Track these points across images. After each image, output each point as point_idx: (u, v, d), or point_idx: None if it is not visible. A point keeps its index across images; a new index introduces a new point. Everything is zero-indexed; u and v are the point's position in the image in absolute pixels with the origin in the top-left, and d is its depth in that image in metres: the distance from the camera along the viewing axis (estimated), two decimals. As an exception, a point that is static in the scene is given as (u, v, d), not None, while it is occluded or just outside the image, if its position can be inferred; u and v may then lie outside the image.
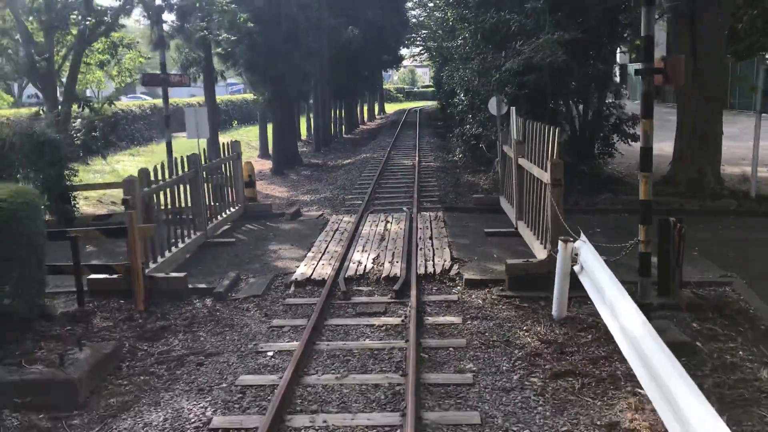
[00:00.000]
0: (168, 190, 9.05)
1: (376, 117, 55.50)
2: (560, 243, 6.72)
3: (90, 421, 5.20)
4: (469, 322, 6.86)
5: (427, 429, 4.76)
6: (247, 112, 43.40)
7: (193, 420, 5.06)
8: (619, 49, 21.69)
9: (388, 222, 11.40)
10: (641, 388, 4.86)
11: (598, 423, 4.85)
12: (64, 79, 14.71)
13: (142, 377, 5.91)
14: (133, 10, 14.13)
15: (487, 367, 5.78)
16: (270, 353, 6.25)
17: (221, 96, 39.92)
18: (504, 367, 5.78)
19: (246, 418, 5.01)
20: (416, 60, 69.31)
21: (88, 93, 20.01)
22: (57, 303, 7.62)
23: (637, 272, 6.34)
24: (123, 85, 19.00)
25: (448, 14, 21.17)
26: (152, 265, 8.06)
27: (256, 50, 18.61)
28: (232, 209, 11.80)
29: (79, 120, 14.15)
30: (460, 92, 19.00)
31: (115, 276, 7.70)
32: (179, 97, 38.93)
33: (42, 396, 5.41)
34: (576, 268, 6.69)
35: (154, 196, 8.54)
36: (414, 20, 50.39)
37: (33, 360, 5.84)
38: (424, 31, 51.39)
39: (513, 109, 10.80)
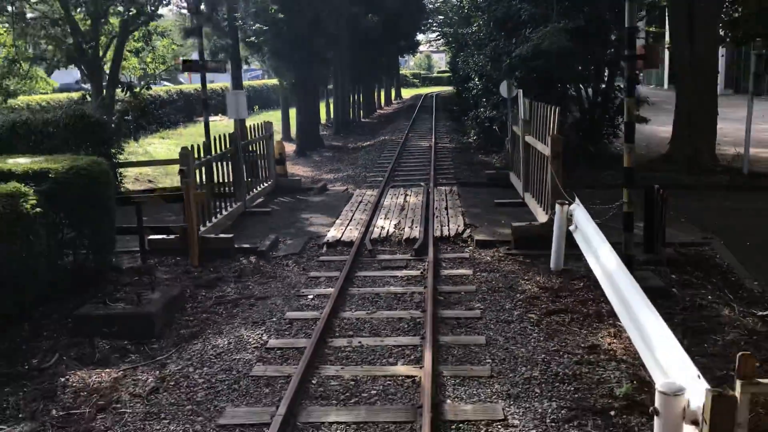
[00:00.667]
0: (213, 165, 10.23)
1: (393, 102, 56.42)
2: (557, 206, 7.82)
3: (166, 345, 6.39)
4: (478, 273, 7.99)
5: (442, 347, 5.91)
6: (267, 98, 44.46)
7: (252, 343, 6.25)
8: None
9: (407, 195, 12.53)
10: (621, 322, 5.96)
11: (582, 346, 5.96)
12: (104, 66, 15.90)
13: (204, 315, 7.11)
14: (170, 1, 15.25)
15: (492, 306, 6.92)
16: (310, 296, 7.43)
17: (225, 83, 41.10)
18: (507, 306, 6.91)
19: (296, 341, 6.19)
20: (432, 46, 69.95)
21: (123, 79, 21.08)
22: (121, 260, 8.83)
23: (624, 227, 7.42)
24: (156, 71, 20.14)
25: (464, 2, 22.15)
26: (202, 229, 9.25)
27: (282, 38, 19.72)
28: (266, 184, 12.97)
29: (119, 103, 15.38)
30: (475, 77, 19.99)
31: (172, 237, 8.91)
32: (221, 81, 40.04)
33: (125, 327, 6.61)
34: (571, 228, 7.76)
35: (203, 168, 9.72)
36: (430, 6, 51.19)
37: (114, 300, 7.06)
38: (440, 17, 52.15)
39: (520, 91, 11.85)
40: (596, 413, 4.75)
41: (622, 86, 16.15)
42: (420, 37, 54.71)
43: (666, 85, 33.77)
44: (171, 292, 7.33)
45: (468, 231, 9.65)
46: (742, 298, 7.05)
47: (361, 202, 12.06)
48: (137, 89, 15.51)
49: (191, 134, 28.59)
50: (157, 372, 5.77)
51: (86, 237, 7.84)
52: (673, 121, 14.36)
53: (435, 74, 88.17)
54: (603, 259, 6.03)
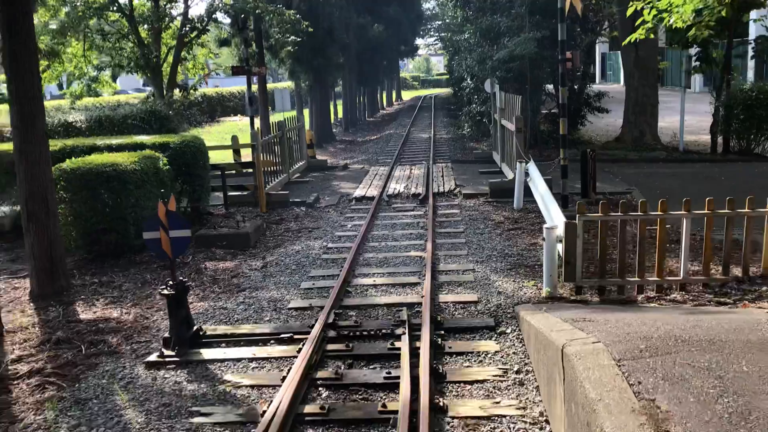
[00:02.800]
0: (268, 144, 13.75)
1: (394, 103, 60.00)
2: (517, 163, 11.33)
3: (260, 251, 9.88)
4: (464, 211, 11.50)
5: (438, 244, 9.40)
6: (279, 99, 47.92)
7: (317, 246, 9.75)
8: (598, 40, 26.06)
9: (412, 169, 16.07)
10: (541, 210, 9.42)
11: (526, 243, 9.43)
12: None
13: (279, 237, 10.62)
14: (218, 19, 18.73)
15: (471, 226, 10.43)
16: (349, 225, 10.94)
17: (255, 85, 44.65)
18: (481, 227, 10.42)
19: (345, 245, 9.69)
20: (431, 49, 73.62)
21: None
22: (212, 208, 12.30)
23: (561, 175, 10.92)
24: (196, 76, 23.64)
25: (457, 14, 25.69)
26: (267, 187, 12.74)
27: (301, 45, 23.23)
28: (300, 163, 16.51)
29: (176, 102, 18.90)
30: (467, 77, 23.55)
31: (245, 192, 12.41)
32: (225, 86, 43.61)
33: (230, 241, 10.09)
34: (528, 180, 11.27)
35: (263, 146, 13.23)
36: (428, 12, 54.81)
37: (220, 227, 10.58)
38: (437, 22, 55.75)
39: (497, 86, 15.38)
40: (526, 267, 8.23)
41: (586, 85, 19.83)
42: (419, 41, 58.28)
43: (622, 82, 37.42)
44: (255, 223, 10.85)
45: (458, 188, 13.18)
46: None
47: (376, 174, 15.60)
48: (189, 90, 19.05)
49: (218, 131, 32.21)
50: (261, 260, 9.28)
51: (192, 189, 11.36)
52: (623, 110, 17.88)
53: (434, 76, 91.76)
54: (539, 188, 9.56)
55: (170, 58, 18.67)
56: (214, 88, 41.92)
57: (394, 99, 62.13)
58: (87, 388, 5.58)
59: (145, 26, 18.09)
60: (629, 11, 6.73)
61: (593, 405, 3.16)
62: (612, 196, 12.22)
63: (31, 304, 7.84)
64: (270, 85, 52.24)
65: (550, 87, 19.76)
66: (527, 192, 11.12)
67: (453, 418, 4.71)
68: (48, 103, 25.52)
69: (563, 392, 3.82)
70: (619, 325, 4.46)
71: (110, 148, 10.67)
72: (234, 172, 12.73)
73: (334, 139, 27.39)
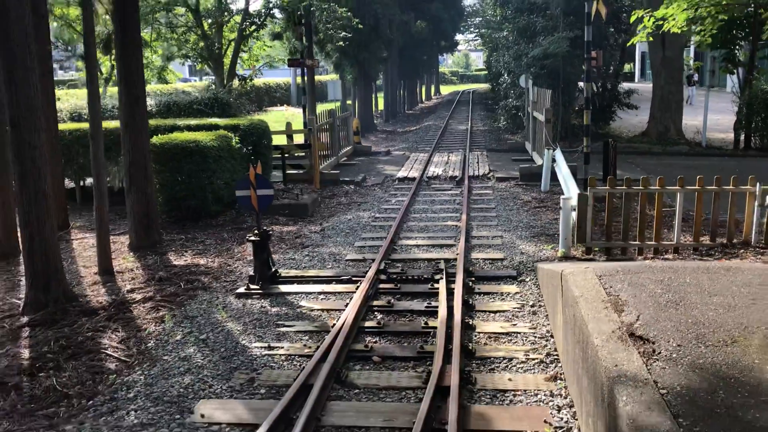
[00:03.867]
0: (321, 130, 15.29)
1: (433, 97, 61.29)
2: (546, 150, 12.66)
3: (317, 219, 11.41)
4: (496, 192, 12.88)
5: (471, 216, 10.80)
6: (321, 92, 49.62)
7: (366, 216, 11.24)
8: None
9: (449, 155, 17.48)
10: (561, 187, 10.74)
11: (549, 218, 10.78)
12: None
13: (333, 208, 12.14)
14: (275, 14, 20.33)
15: (501, 204, 11.81)
16: (393, 201, 12.41)
17: (287, 78, 46.40)
18: (510, 204, 11.79)
19: (391, 215, 11.15)
20: (470, 45, 74.56)
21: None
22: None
23: (582, 161, 12.21)
24: (252, 66, 25.35)
25: (497, 12, 26.93)
26: (321, 166, 14.28)
27: (348, 40, 24.74)
28: (348, 148, 18.03)
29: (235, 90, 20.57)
30: (504, 73, 24.79)
31: (302, 171, 13.98)
32: (270, 77, 45.36)
33: (291, 210, 11.63)
34: (554, 165, 12.58)
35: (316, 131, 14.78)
36: (469, 9, 55.94)
37: (282, 198, 12.13)
38: (478, 19, 56.81)
39: (531, 82, 16.67)
40: (546, 235, 9.60)
41: (618, 82, 20.95)
42: (459, 37, 59.33)
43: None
44: (312, 196, 12.40)
45: (491, 173, 14.56)
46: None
47: (417, 159, 17.04)
48: (247, 79, 20.72)
49: (266, 119, 33.91)
50: (319, 226, 10.81)
51: (261, 164, 12.91)
52: (650, 106, 19.00)
53: (472, 72, 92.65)
54: (563, 170, 10.90)
55: (230, 50, 20.36)
56: (261, 79, 43.76)
57: (432, 93, 63.43)
58: (192, 310, 7.15)
59: (209, 20, 19.77)
60: (632, 18, 7.95)
61: (576, 299, 4.58)
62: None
63: (131, 254, 9.47)
64: (322, 77, 54.13)
65: (582, 84, 20.93)
66: (554, 177, 12.42)
67: (479, 332, 6.15)
68: (114, 89, 27.56)
69: (561, 304, 5.24)
70: (610, 263, 5.84)
71: (189, 128, 12.29)
72: (288, 153, 14.30)
73: (376, 129, 28.88)
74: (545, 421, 4.51)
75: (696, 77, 31.08)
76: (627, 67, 45.56)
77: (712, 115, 22.43)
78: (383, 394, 5.12)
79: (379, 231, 10.18)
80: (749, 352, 3.58)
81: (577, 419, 4.46)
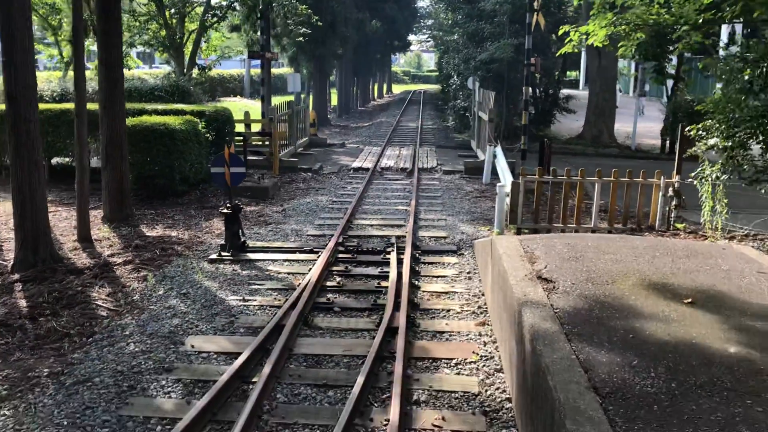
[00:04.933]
0: (280, 120, 16.20)
1: (385, 95, 62.43)
2: (488, 146, 13.92)
3: (278, 201, 12.36)
4: (442, 183, 14.08)
5: (420, 203, 11.94)
6: (280, 84, 50.14)
7: (324, 200, 12.26)
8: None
9: (401, 149, 18.63)
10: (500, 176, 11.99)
11: (488, 206, 11.99)
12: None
13: (292, 192, 13.11)
14: (236, 7, 21.06)
15: (447, 193, 13.00)
16: (348, 188, 13.46)
17: (240, 70, 46.83)
18: (454, 193, 12.99)
19: (347, 200, 12.20)
20: (423, 46, 76.13)
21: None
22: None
23: (520, 157, 13.50)
24: (207, 57, 25.96)
25: (449, 16, 28.23)
26: (280, 154, 15.21)
27: (305, 36, 25.63)
28: (304, 138, 18.98)
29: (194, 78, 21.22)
30: (454, 75, 26.08)
31: (261, 158, 14.88)
32: (223, 68, 45.64)
33: (253, 193, 12.55)
34: (495, 160, 13.84)
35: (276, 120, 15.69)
36: (422, 10, 57.34)
37: (245, 181, 13.01)
38: (430, 21, 58.26)
39: (477, 83, 17.95)
40: (485, 219, 10.81)
41: (559, 88, 22.48)
42: (412, 37, 60.62)
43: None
44: (272, 181, 13.33)
45: (439, 166, 15.76)
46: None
47: (370, 152, 18.13)
48: (207, 69, 21.41)
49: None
50: (280, 207, 11.78)
51: (220, 149, 13.77)
52: (586, 111, 20.56)
53: (424, 72, 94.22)
54: (501, 164, 12.15)
55: (191, 40, 21.02)
56: (215, 69, 44.05)
57: (384, 91, 64.57)
58: (170, 271, 8.06)
59: (172, 10, 20.38)
60: (560, 32, 9.16)
61: (501, 256, 5.73)
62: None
63: (105, 225, 10.25)
64: (281, 70, 54.48)
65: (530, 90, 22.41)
66: (495, 172, 13.67)
67: (423, 291, 7.27)
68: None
69: (490, 262, 6.40)
70: (532, 234, 7.04)
71: (156, 112, 13.05)
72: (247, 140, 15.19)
73: (330, 124, 29.83)
74: (473, 352, 5.65)
75: (647, 88, 33.05)
76: (573, 74, 47.62)
77: (648, 122, 24.28)
78: (343, 333, 6.19)
79: (336, 212, 11.22)
80: (623, 288, 4.79)
81: (498, 351, 5.62)
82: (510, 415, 4.65)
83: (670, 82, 19.77)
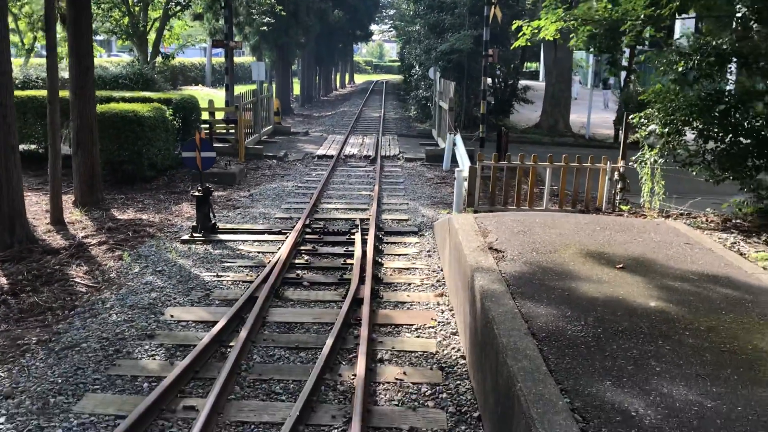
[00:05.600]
0: (245, 108, 16.52)
1: (347, 85, 62.71)
2: (448, 134, 14.50)
3: (244, 187, 12.74)
4: (404, 170, 14.61)
5: (383, 188, 12.45)
6: (244, 73, 49.95)
7: (290, 185, 12.68)
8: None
9: (364, 138, 19.11)
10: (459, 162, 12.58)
11: (447, 191, 12.57)
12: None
13: (258, 178, 13.49)
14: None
15: (409, 179, 13.54)
16: (313, 174, 13.90)
17: (202, 58, 46.65)
18: (416, 180, 13.54)
19: (312, 185, 12.64)
20: (385, 36, 76.51)
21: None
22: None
23: (478, 145, 14.11)
24: (172, 46, 25.99)
25: (410, 6, 28.72)
26: (245, 141, 15.55)
27: (268, 25, 25.85)
28: (269, 127, 19.30)
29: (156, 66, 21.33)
30: (416, 65, 26.63)
31: (227, 144, 15.20)
32: (184, 57, 45.37)
33: (220, 179, 12.90)
34: (455, 148, 14.42)
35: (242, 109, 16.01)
36: (384, 1, 57.71)
37: (212, 167, 13.35)
38: (392, 11, 58.68)
39: (438, 74, 18.51)
40: (444, 204, 11.37)
41: (517, 79, 23.20)
42: (374, 27, 60.97)
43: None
44: (239, 167, 13.69)
45: (401, 154, 16.30)
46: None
47: (334, 140, 18.57)
48: (170, 57, 21.53)
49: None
50: (247, 192, 12.17)
51: (187, 136, 14.08)
52: (543, 101, 21.33)
53: (386, 63, 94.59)
54: (460, 150, 12.73)
55: (154, 29, 21.12)
56: (176, 58, 43.80)
57: (347, 81, 64.82)
58: (144, 251, 8.42)
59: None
60: (513, 26, 9.75)
61: (457, 230, 6.29)
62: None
63: (77, 209, 10.52)
64: (244, 59, 54.22)
65: (489, 81, 23.06)
66: (455, 159, 14.26)
67: (386, 267, 7.80)
68: (37, 60, 27.45)
69: (448, 238, 6.95)
70: (486, 213, 7.62)
71: (124, 99, 13.28)
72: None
73: (293, 113, 30.12)
74: (432, 318, 6.20)
75: (612, 81, 33.96)
76: (534, 65, 48.61)
77: (607, 113, 25.22)
78: (313, 304, 6.68)
79: (302, 197, 11.66)
80: (563, 256, 5.38)
81: (454, 317, 6.18)
82: (464, 369, 5.21)
83: (624, 75, 20.66)
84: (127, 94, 13.84)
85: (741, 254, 6.15)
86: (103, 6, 20.63)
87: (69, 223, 9.70)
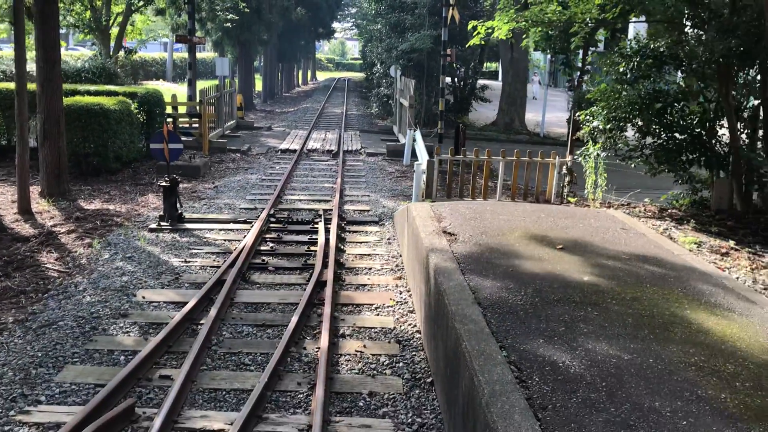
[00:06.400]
0: (209, 102, 16.75)
1: (309, 82, 62.88)
2: (408, 130, 14.99)
3: (208, 180, 13.02)
4: (366, 164, 15.06)
5: (345, 180, 12.87)
6: (208, 68, 49.64)
7: (254, 178, 13.01)
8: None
9: (327, 133, 19.50)
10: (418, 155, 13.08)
11: (407, 184, 13.05)
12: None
13: (222, 171, 13.78)
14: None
15: (370, 173, 13.98)
16: (277, 167, 14.24)
17: (163, 53, 46.36)
18: (378, 174, 14.00)
19: (276, 178, 12.99)
20: (347, 34, 76.81)
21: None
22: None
23: (437, 141, 14.63)
24: (134, 40, 25.93)
25: (372, 6, 29.13)
26: (209, 135, 15.79)
27: (231, 21, 26.01)
28: (232, 122, 19.54)
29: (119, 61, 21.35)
30: (378, 63, 27.09)
31: (191, 138, 15.43)
32: (144, 52, 45.03)
33: (185, 171, 13.14)
34: (414, 143, 14.92)
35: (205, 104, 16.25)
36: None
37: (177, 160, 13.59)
38: (354, 9, 59.03)
39: (399, 72, 19.00)
40: (404, 196, 11.86)
41: (476, 79, 23.85)
42: (336, 25, 61.27)
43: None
44: (203, 160, 13.95)
45: (363, 149, 16.74)
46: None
47: (297, 135, 18.91)
48: (133, 52, 21.57)
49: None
50: (212, 184, 12.46)
51: (151, 129, 14.28)
52: (499, 100, 22.00)
53: (348, 60, 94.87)
54: (419, 145, 13.23)
55: (116, 23, 21.13)
56: (138, 53, 43.39)
57: (309, 78, 64.98)
58: (113, 239, 8.69)
59: (98, -8, 20.43)
60: (469, 26, 10.26)
61: (414, 218, 6.76)
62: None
63: (43, 200, 10.69)
64: (207, 54, 53.83)
65: (448, 79, 23.65)
66: (415, 154, 14.76)
67: (348, 254, 8.23)
68: (2, 53, 27.06)
69: (407, 225, 7.42)
70: (441, 201, 8.13)
71: (89, 93, 13.43)
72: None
73: (255, 108, 30.29)
74: (390, 299, 6.67)
75: (576, 82, 34.79)
76: (494, 65, 49.46)
77: (561, 113, 26.04)
78: (278, 287, 7.08)
79: (266, 189, 12.01)
80: (510, 239, 5.90)
81: (411, 298, 6.65)
82: (419, 342, 5.68)
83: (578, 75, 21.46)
84: (92, 88, 13.98)
85: (671, 238, 6.76)
86: (64, 0, 20.56)
87: (37, 213, 9.88)
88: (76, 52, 39.72)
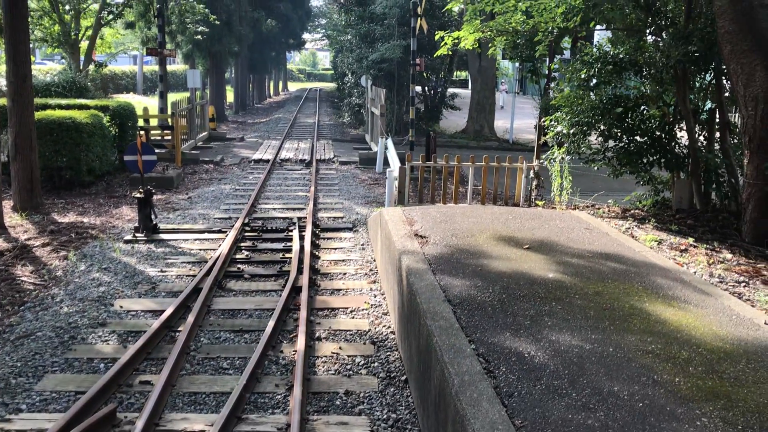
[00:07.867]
0: (181, 114, 16.80)
1: (281, 93, 62.93)
2: (380, 138, 15.20)
3: (182, 191, 13.09)
4: (339, 173, 15.22)
5: (319, 188, 13.03)
6: (179, 80, 49.43)
7: (228, 189, 13.10)
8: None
9: (299, 143, 19.63)
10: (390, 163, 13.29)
11: (380, 192, 13.25)
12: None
13: (196, 182, 13.85)
14: (132, 5, 21.26)
15: (343, 181, 14.15)
16: (250, 177, 14.34)
17: (133, 66, 46.13)
18: (351, 182, 14.17)
19: (250, 188, 13.09)
20: (318, 44, 76.97)
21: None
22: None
23: (408, 148, 14.87)
24: (104, 54, 25.82)
25: (342, 17, 29.40)
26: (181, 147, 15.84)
27: (201, 33, 26.04)
28: (204, 133, 19.58)
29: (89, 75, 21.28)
30: (349, 73, 27.33)
31: (164, 150, 15.46)
32: (114, 65, 44.68)
33: (158, 183, 13.19)
34: (387, 151, 15.14)
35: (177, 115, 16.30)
36: (316, 9, 58.32)
37: (150, 172, 13.64)
38: (324, 20, 59.31)
39: (370, 81, 19.23)
40: (377, 202, 12.05)
41: (446, 87, 24.20)
42: (306, 36, 61.44)
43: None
44: (177, 171, 14.01)
45: (335, 157, 16.91)
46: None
47: (270, 146, 19.02)
48: (103, 65, 21.52)
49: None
50: (185, 195, 12.53)
51: (124, 142, 14.31)
52: (468, 108, 22.35)
53: (319, 71, 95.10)
54: (391, 153, 13.44)
55: (86, 37, 21.07)
56: (108, 66, 43.07)
57: (281, 89, 65.04)
58: (88, 251, 8.74)
59: (67, 7, 20.37)
60: (436, 37, 10.53)
61: (387, 222, 6.95)
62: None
63: (16, 214, 10.68)
64: (178, 67, 53.57)
65: (418, 88, 23.96)
66: (387, 162, 14.97)
67: (323, 260, 8.39)
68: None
69: (380, 230, 7.60)
70: (413, 206, 8.33)
71: (60, 107, 13.43)
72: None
73: (227, 120, 30.29)
74: (365, 302, 6.84)
75: (543, 89, 35.35)
76: (464, 74, 50.02)
77: (530, 119, 26.47)
78: (254, 293, 7.21)
79: (240, 199, 12.12)
80: (478, 240, 6.12)
81: (385, 300, 6.83)
82: (393, 342, 5.86)
83: (543, 82, 21.91)
84: (64, 102, 13.97)
85: (633, 237, 7.04)
86: (33, 14, 20.46)
87: (10, 227, 9.87)
88: (44, 66, 39.33)
